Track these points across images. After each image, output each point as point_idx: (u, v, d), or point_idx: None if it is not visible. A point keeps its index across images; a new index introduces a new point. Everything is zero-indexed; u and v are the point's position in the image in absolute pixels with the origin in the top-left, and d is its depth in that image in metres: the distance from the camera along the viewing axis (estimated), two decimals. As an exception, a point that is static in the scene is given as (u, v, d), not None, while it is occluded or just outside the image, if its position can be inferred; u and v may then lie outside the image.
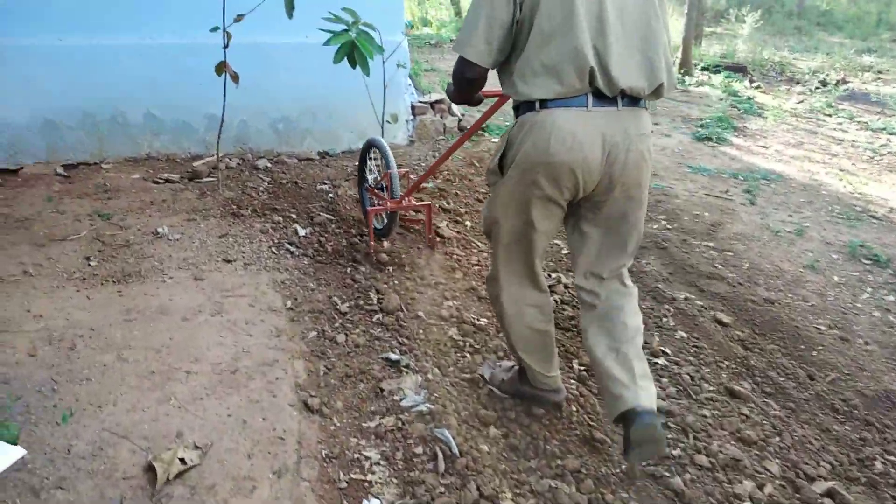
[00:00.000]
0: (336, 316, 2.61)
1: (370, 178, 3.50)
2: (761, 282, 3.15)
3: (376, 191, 3.34)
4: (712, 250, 3.46)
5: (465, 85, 1.83)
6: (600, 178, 1.72)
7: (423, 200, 3.41)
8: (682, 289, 3.06)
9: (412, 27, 12.16)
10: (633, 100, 1.70)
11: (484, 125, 2.91)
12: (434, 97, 5.47)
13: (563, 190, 1.73)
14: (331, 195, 3.89)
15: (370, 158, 3.53)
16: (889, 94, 7.65)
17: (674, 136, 5.48)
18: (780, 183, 4.55)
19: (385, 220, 3.33)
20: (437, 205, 3.81)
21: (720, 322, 2.74)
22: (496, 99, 2.33)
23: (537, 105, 1.68)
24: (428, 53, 8.86)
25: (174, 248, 3.11)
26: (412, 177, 3.73)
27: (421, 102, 5.25)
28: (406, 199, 3.15)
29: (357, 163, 3.71)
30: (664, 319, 2.76)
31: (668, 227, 3.74)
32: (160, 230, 3.23)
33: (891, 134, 5.97)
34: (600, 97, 1.66)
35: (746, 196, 4.25)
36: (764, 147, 5.36)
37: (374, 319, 2.61)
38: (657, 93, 1.74)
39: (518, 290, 1.96)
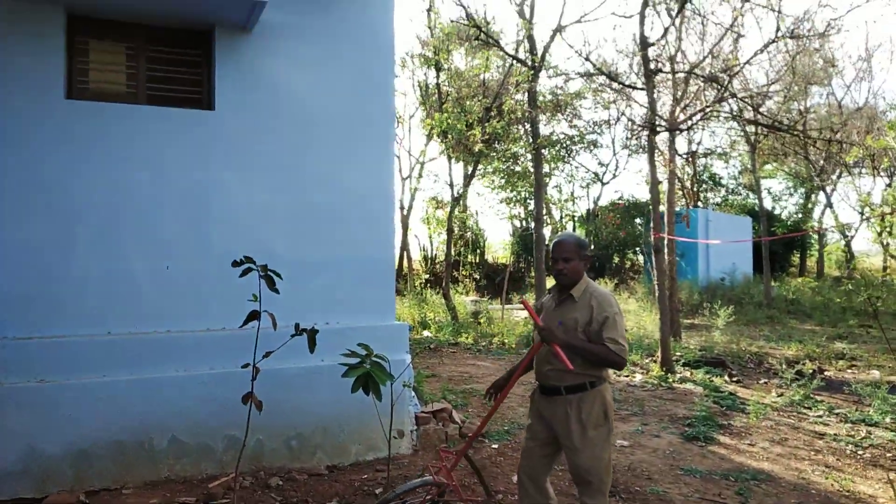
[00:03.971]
0: None
1: None
2: None
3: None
4: (712, 561, 3.54)
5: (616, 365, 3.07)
6: None
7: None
8: None
9: (412, 330, 13.14)
10: None
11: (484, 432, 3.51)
12: (436, 406, 5.88)
13: None
14: (340, 514, 4.05)
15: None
16: (864, 381, 8.11)
17: (663, 437, 5.78)
18: (769, 483, 4.73)
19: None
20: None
21: None
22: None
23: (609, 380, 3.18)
24: (428, 359, 9.55)
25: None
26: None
27: (424, 413, 5.64)
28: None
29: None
30: None
31: (667, 536, 3.85)
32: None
33: (869, 425, 6.28)
34: None
35: (739, 499, 4.41)
36: (750, 445, 5.63)
37: None
38: None
39: None
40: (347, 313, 5.32)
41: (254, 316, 3.85)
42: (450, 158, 16.40)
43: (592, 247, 22.23)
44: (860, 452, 5.51)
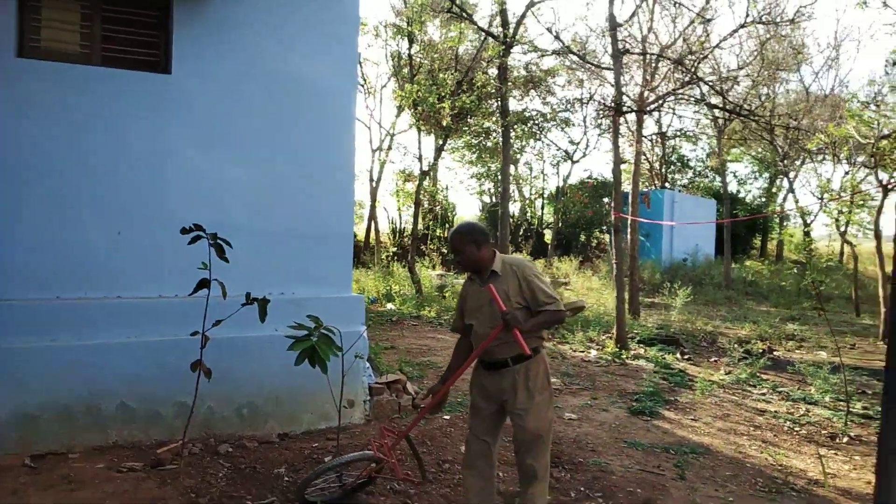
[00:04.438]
0: None
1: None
2: (689, 561, 3.36)
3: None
4: (644, 529, 3.70)
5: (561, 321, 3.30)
6: None
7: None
8: (615, 571, 3.24)
9: (375, 302, 13.18)
10: None
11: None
12: (391, 377, 5.96)
13: None
14: (286, 479, 4.12)
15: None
16: (809, 361, 8.42)
17: (611, 411, 5.95)
18: (708, 456, 4.92)
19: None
20: None
21: None
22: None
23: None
24: (388, 331, 9.62)
25: (131, 543, 3.24)
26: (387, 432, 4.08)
27: (378, 384, 5.71)
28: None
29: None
30: None
31: (604, 505, 4.00)
32: (119, 523, 3.38)
33: (809, 404, 6.54)
34: None
35: (676, 471, 4.58)
36: (693, 420, 5.83)
37: None
38: None
39: None
40: (304, 284, 5.33)
41: (204, 284, 3.85)
42: (419, 131, 16.31)
43: (560, 224, 22.45)
44: (797, 429, 5.75)
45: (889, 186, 11.12)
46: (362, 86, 19.15)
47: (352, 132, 5.67)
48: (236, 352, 4.85)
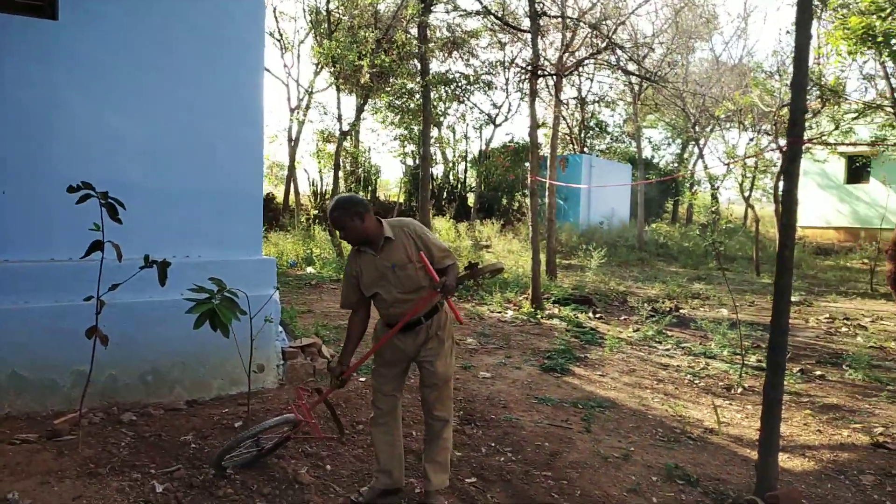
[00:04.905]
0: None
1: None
2: (591, 508, 3.52)
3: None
4: (550, 480, 3.84)
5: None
6: None
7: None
8: (521, 521, 3.35)
9: (296, 266, 12.94)
10: None
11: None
12: (305, 341, 5.88)
13: None
14: (193, 446, 4.01)
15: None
16: (711, 318, 8.91)
17: (524, 369, 6.12)
18: (613, 410, 5.15)
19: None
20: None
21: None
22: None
23: None
24: (307, 294, 9.47)
25: (22, 517, 3.08)
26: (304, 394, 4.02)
27: (292, 347, 5.63)
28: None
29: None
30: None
31: (513, 458, 4.12)
32: (10, 496, 3.21)
33: (708, 357, 6.94)
34: None
35: (583, 424, 4.77)
36: (602, 376, 6.07)
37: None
38: None
39: None
40: (211, 247, 5.14)
41: (97, 246, 3.65)
42: (339, 90, 15.90)
43: (482, 188, 22.62)
44: (697, 382, 6.09)
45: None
46: (279, 41, 18.43)
47: (259, 86, 5.43)
48: (138, 317, 4.64)
